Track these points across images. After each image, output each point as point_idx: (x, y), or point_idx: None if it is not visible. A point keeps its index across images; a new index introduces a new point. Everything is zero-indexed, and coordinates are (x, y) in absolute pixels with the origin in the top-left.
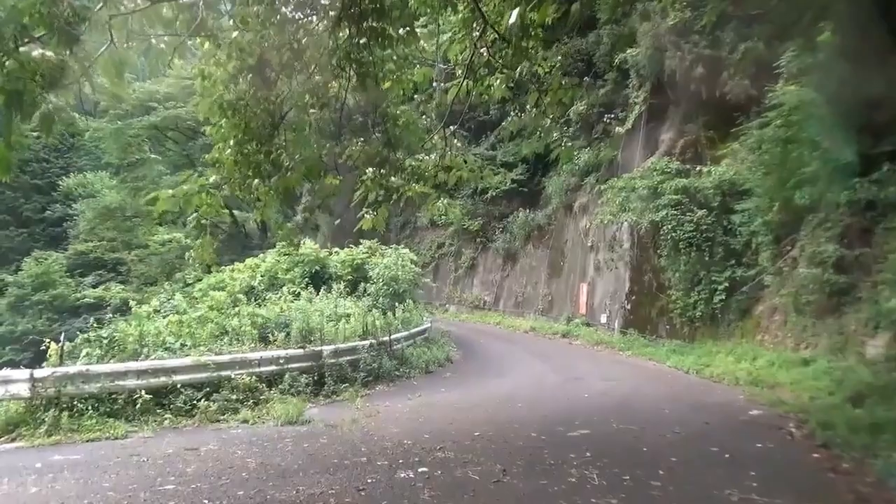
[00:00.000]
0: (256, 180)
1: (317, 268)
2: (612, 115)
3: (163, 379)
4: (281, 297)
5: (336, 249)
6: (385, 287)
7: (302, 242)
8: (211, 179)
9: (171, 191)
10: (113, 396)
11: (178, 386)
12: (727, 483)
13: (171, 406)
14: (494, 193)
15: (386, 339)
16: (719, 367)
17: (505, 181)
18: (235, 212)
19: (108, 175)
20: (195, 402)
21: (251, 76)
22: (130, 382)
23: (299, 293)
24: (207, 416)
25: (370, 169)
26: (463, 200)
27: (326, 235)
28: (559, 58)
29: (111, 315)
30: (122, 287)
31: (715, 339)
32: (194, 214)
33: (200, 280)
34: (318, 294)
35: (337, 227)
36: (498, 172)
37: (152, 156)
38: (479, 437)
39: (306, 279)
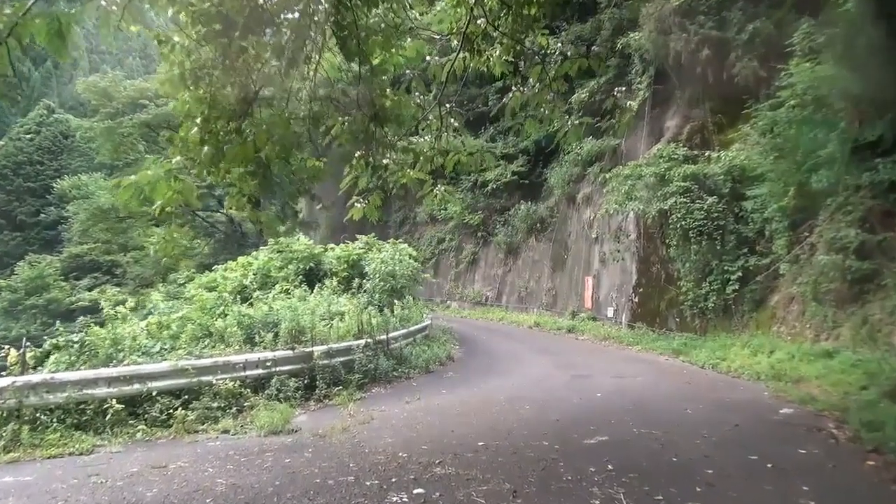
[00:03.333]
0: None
1: (311, 265)
2: (622, 90)
3: (137, 386)
4: (272, 295)
5: (332, 245)
6: (382, 283)
7: (297, 238)
8: (174, 161)
9: (132, 177)
10: (81, 407)
11: (154, 394)
12: (778, 500)
13: (146, 416)
14: (495, 186)
15: (383, 337)
16: (735, 360)
17: (505, 173)
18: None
19: (103, 176)
20: (172, 411)
21: (213, 36)
22: (101, 391)
23: (290, 291)
24: (185, 427)
25: (357, 153)
26: (463, 194)
27: (323, 233)
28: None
29: (83, 317)
30: (118, 289)
31: (728, 331)
32: (158, 203)
33: (192, 280)
34: (312, 292)
35: (335, 225)
36: (499, 164)
37: (146, 155)
38: (484, 448)
39: (300, 277)
